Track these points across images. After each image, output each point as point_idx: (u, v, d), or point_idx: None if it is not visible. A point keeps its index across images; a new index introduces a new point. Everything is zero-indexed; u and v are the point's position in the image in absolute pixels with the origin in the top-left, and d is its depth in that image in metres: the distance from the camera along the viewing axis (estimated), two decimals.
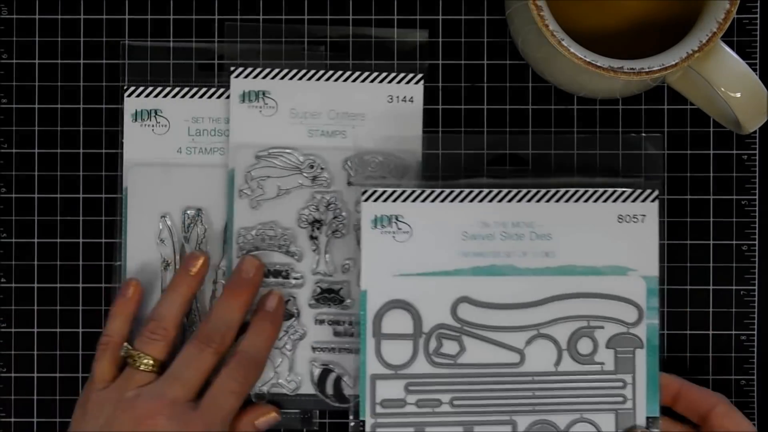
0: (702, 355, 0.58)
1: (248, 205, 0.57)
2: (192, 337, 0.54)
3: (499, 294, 0.55)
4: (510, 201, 0.55)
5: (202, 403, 0.53)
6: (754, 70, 0.58)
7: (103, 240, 0.58)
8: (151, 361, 0.54)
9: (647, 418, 0.55)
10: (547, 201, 0.55)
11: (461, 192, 0.55)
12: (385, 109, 0.57)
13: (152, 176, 0.58)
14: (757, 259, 0.58)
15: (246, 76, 0.57)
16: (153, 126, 0.58)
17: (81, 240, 0.59)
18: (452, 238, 0.55)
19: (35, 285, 0.59)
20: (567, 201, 0.55)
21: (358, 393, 0.55)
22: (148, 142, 0.58)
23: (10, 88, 0.59)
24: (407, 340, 0.55)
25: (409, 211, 0.55)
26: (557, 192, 0.55)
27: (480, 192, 0.55)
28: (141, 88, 0.58)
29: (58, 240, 0.59)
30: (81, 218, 0.59)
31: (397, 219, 0.55)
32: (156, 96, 0.58)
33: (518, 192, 0.55)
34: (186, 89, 0.58)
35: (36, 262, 0.59)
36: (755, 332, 0.58)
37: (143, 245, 0.58)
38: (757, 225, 0.58)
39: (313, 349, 0.57)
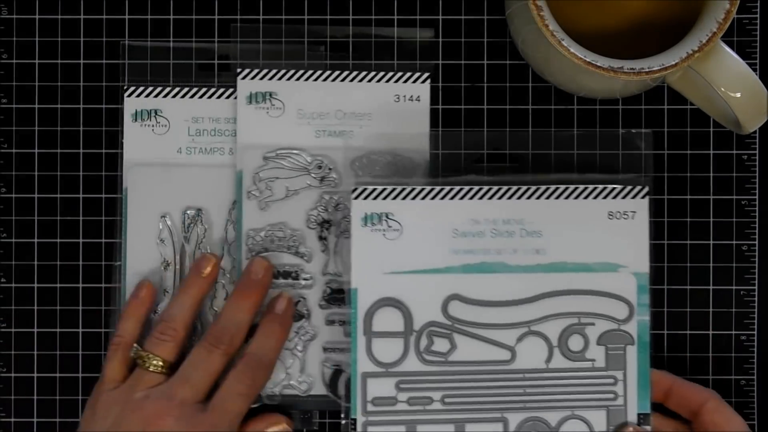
0: (702, 355, 0.58)
1: (257, 207, 0.57)
2: (201, 338, 0.54)
3: (490, 291, 0.55)
4: (500, 198, 0.55)
5: (210, 405, 0.53)
6: (754, 70, 0.58)
7: (103, 240, 0.58)
8: (161, 362, 0.54)
9: (638, 414, 0.55)
10: (537, 198, 0.55)
11: (451, 189, 0.55)
12: (392, 109, 0.57)
13: (152, 176, 0.58)
14: (757, 259, 0.58)
15: (252, 78, 0.57)
16: (153, 126, 0.58)
17: (81, 240, 0.59)
18: (443, 236, 0.55)
19: (35, 285, 0.59)
20: (557, 198, 0.55)
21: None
22: (148, 142, 0.58)
23: (10, 88, 0.59)
24: (398, 337, 0.55)
25: (400, 209, 0.55)
26: (547, 189, 0.55)
27: (470, 189, 0.55)
28: (141, 88, 0.58)
29: (58, 240, 0.59)
30: (81, 218, 0.59)
31: (387, 217, 0.55)
32: (156, 96, 0.58)
33: (508, 189, 0.55)
34: (186, 89, 0.58)
35: (36, 262, 0.59)
36: (755, 332, 0.58)
37: (143, 245, 0.58)
38: (757, 225, 0.58)
39: (324, 349, 0.57)
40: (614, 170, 0.57)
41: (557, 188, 0.55)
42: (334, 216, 0.57)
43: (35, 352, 0.58)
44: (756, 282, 0.58)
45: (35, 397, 0.58)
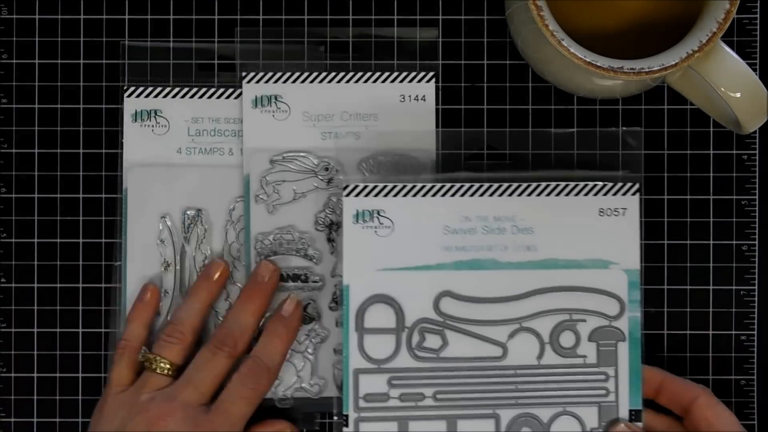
0: (702, 355, 0.58)
1: (265, 210, 0.57)
2: (207, 341, 0.54)
3: (482, 288, 0.55)
4: (491, 195, 0.56)
5: (213, 407, 0.53)
6: (754, 70, 0.58)
7: (103, 240, 0.58)
8: (168, 365, 0.54)
9: (630, 410, 0.55)
10: (528, 195, 0.56)
11: (442, 187, 0.55)
12: (397, 109, 0.57)
13: (152, 177, 0.58)
14: (757, 259, 0.58)
15: (258, 81, 0.57)
16: (153, 126, 0.58)
17: (81, 240, 0.59)
18: (434, 233, 0.55)
19: (35, 285, 0.59)
20: (548, 195, 0.56)
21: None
22: (148, 142, 0.58)
23: (10, 88, 0.59)
24: (390, 334, 0.55)
25: (391, 206, 0.55)
26: (538, 186, 0.55)
27: (461, 186, 0.56)
28: (141, 89, 0.58)
29: (58, 240, 0.59)
30: (81, 218, 0.59)
31: (378, 214, 0.55)
32: (156, 96, 0.58)
33: (499, 186, 0.56)
34: (186, 89, 0.58)
35: (36, 262, 0.59)
36: (755, 332, 0.58)
37: (143, 246, 0.58)
38: (757, 225, 0.58)
39: (336, 351, 0.57)
40: (608, 168, 0.57)
41: (548, 185, 0.55)
42: (342, 217, 0.57)
43: (35, 352, 0.58)
44: (756, 282, 0.58)
45: (35, 397, 0.58)
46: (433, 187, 0.55)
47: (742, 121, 0.51)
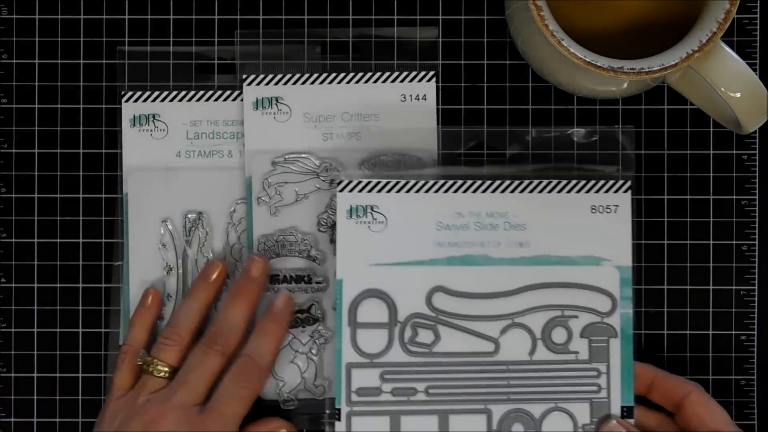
0: (702, 355, 0.58)
1: (267, 212, 0.57)
2: (199, 341, 0.54)
3: (474, 283, 0.56)
4: (484, 192, 0.56)
5: (207, 408, 0.53)
6: (754, 70, 0.58)
7: (103, 240, 0.58)
8: (166, 368, 0.54)
9: (622, 407, 0.55)
10: (521, 192, 0.56)
11: (435, 183, 0.56)
12: (398, 109, 0.57)
13: (152, 181, 0.58)
14: (757, 259, 0.58)
15: (258, 83, 0.57)
16: (151, 131, 0.58)
17: (81, 240, 0.59)
18: (427, 229, 0.56)
19: (35, 285, 0.59)
20: (540, 192, 0.56)
21: None
22: (147, 146, 0.58)
23: (10, 88, 0.59)
24: (382, 329, 0.55)
25: (385, 202, 0.56)
26: (531, 183, 0.56)
27: (454, 183, 0.56)
28: (138, 93, 0.58)
29: (58, 240, 0.59)
30: (81, 218, 0.59)
31: (372, 209, 0.55)
32: (153, 101, 0.58)
33: (492, 183, 0.56)
34: (183, 92, 0.58)
35: (36, 262, 0.59)
36: (755, 332, 0.58)
37: (145, 250, 0.57)
38: (757, 225, 0.58)
39: None
40: (605, 168, 0.57)
41: (540, 182, 0.56)
42: None
43: (35, 352, 0.58)
44: (756, 282, 0.58)
45: (35, 397, 0.58)
46: (426, 183, 0.56)
47: (742, 121, 0.51)
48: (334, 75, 0.57)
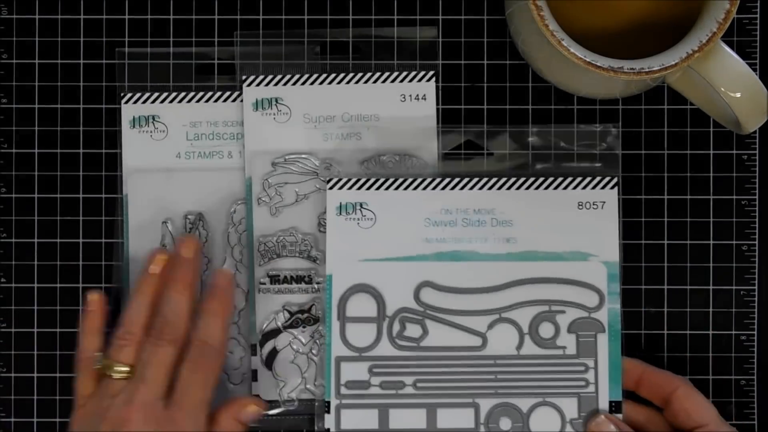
0: (702, 355, 0.58)
1: (267, 213, 0.57)
2: (148, 335, 0.53)
3: (461, 279, 0.56)
4: (471, 189, 0.56)
5: (171, 400, 0.52)
6: (754, 70, 0.58)
7: (103, 240, 0.59)
8: (125, 368, 0.53)
9: (610, 402, 0.56)
10: (508, 189, 0.56)
11: (424, 180, 0.56)
12: (398, 109, 0.57)
13: (152, 182, 0.58)
14: (757, 259, 0.58)
15: (258, 84, 0.57)
16: (151, 132, 0.58)
17: (81, 240, 0.59)
18: (415, 225, 0.56)
19: (35, 285, 0.59)
20: (527, 188, 0.56)
21: None
22: (146, 148, 0.58)
23: (10, 88, 0.59)
24: (371, 323, 0.56)
25: (374, 199, 0.56)
26: (517, 179, 0.56)
27: (442, 180, 0.56)
28: (138, 95, 0.58)
29: (58, 240, 0.59)
30: (81, 218, 0.59)
31: (361, 206, 0.56)
32: (153, 102, 0.58)
33: (479, 180, 0.56)
34: (183, 94, 0.58)
35: (36, 262, 0.59)
36: (755, 332, 0.58)
37: (146, 251, 0.57)
38: (757, 225, 0.58)
39: None
40: (591, 166, 0.57)
41: (527, 179, 0.56)
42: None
43: (35, 352, 0.58)
44: (756, 282, 0.58)
45: (35, 397, 0.58)
46: (414, 180, 0.56)
47: (742, 121, 0.51)
48: (334, 75, 0.57)
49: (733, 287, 0.58)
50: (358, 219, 0.56)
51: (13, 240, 0.59)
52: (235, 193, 0.58)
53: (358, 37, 0.58)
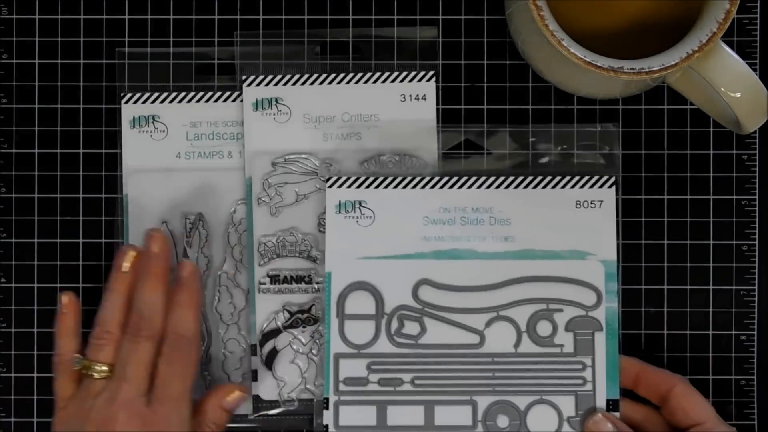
0: (702, 355, 0.58)
1: (267, 213, 0.57)
2: (125, 333, 0.53)
3: (459, 277, 0.56)
4: (470, 187, 0.57)
5: (153, 396, 0.52)
6: (754, 70, 0.58)
7: (103, 240, 0.59)
8: (104, 367, 0.53)
9: (608, 400, 0.56)
10: (506, 187, 0.57)
11: (422, 179, 0.57)
12: (398, 109, 0.57)
13: (152, 182, 0.58)
14: (757, 259, 0.58)
15: (258, 84, 0.57)
16: (151, 132, 0.58)
17: (81, 240, 0.59)
18: (414, 223, 0.56)
19: (35, 285, 0.59)
20: (525, 187, 0.57)
21: None
22: (146, 148, 0.58)
23: (10, 88, 0.59)
24: (370, 320, 0.56)
25: (373, 197, 0.56)
26: (516, 178, 0.57)
27: (441, 179, 0.57)
28: (138, 95, 0.58)
29: (58, 240, 0.59)
30: (81, 218, 0.59)
31: (360, 204, 0.56)
32: (153, 102, 0.58)
33: (477, 179, 0.57)
34: (183, 94, 0.58)
35: (36, 262, 0.59)
36: (755, 332, 0.58)
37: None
38: (757, 225, 0.58)
39: None
40: (590, 164, 0.57)
41: (525, 178, 0.56)
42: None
43: (35, 352, 0.58)
44: (756, 282, 0.58)
45: (35, 397, 0.58)
46: (413, 179, 0.57)
47: (742, 121, 0.51)
48: (333, 75, 0.57)
49: (733, 287, 0.58)
50: (357, 217, 0.56)
51: (13, 240, 0.59)
52: (235, 193, 0.58)
53: (358, 37, 0.58)
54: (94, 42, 0.59)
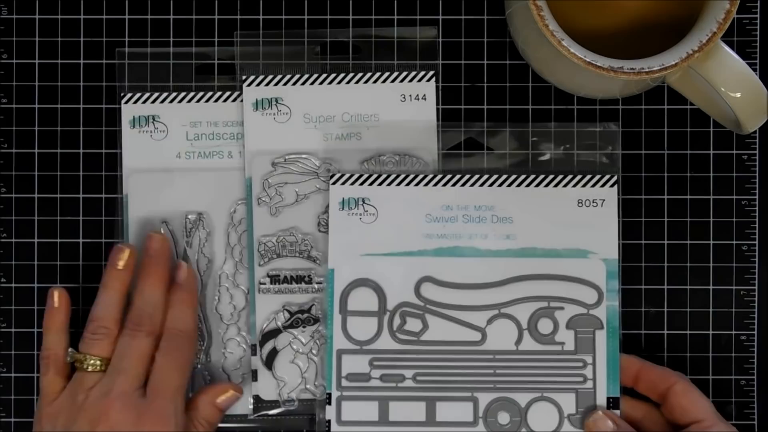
0: (702, 355, 0.58)
1: (267, 213, 0.57)
2: (124, 328, 0.54)
3: (461, 274, 0.56)
4: (472, 185, 0.57)
5: (148, 390, 0.53)
6: (754, 70, 0.58)
7: (103, 240, 0.59)
8: (98, 361, 0.53)
9: (608, 398, 0.56)
10: (509, 186, 0.57)
11: (425, 176, 0.57)
12: (398, 109, 0.57)
13: (152, 182, 0.58)
14: (757, 259, 0.58)
15: (258, 84, 0.57)
16: (151, 132, 0.58)
17: (81, 240, 0.59)
18: (416, 220, 0.57)
19: (35, 285, 0.59)
20: (528, 185, 0.57)
21: None
22: (146, 148, 0.58)
23: (10, 88, 0.59)
24: (372, 317, 0.56)
25: (376, 195, 0.57)
26: (518, 177, 0.57)
27: (443, 176, 0.57)
28: (138, 95, 0.58)
29: (58, 240, 0.59)
30: (81, 218, 0.59)
31: (363, 201, 0.57)
32: (153, 102, 0.58)
33: (480, 177, 0.57)
34: (183, 94, 0.58)
35: (36, 262, 0.59)
36: (755, 332, 0.58)
37: (137, 248, 0.57)
38: (757, 225, 0.58)
39: None
40: (591, 164, 0.57)
41: (528, 176, 0.57)
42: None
43: (35, 352, 0.58)
44: (756, 282, 0.58)
45: (35, 397, 0.58)
46: (416, 176, 0.57)
47: (742, 121, 0.51)
48: (333, 75, 0.57)
49: (733, 287, 0.58)
50: (360, 214, 0.57)
51: (13, 240, 0.59)
52: (235, 193, 0.58)
53: (358, 37, 0.58)
54: (94, 42, 0.59)
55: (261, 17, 0.58)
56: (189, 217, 0.58)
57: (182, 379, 0.54)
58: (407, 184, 0.57)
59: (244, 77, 0.57)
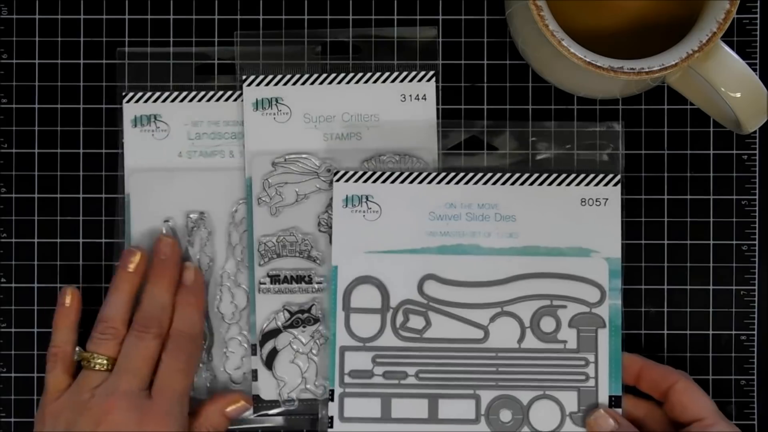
0: (702, 355, 0.58)
1: (268, 213, 0.57)
2: (131, 329, 0.54)
3: (464, 272, 0.57)
4: (476, 183, 0.57)
5: (153, 390, 0.53)
6: (754, 70, 0.58)
7: (103, 240, 0.59)
8: (105, 360, 0.54)
9: (610, 396, 0.56)
10: (512, 184, 0.57)
11: (429, 174, 0.57)
12: (398, 109, 0.57)
13: (154, 181, 0.58)
14: (757, 259, 0.58)
15: (258, 84, 0.57)
16: (153, 131, 0.58)
17: (81, 240, 0.59)
18: (420, 218, 0.57)
19: (35, 285, 0.59)
20: (531, 184, 0.57)
21: None
22: (148, 147, 0.58)
23: (10, 88, 0.59)
24: (375, 314, 0.57)
25: (379, 192, 0.57)
26: (521, 175, 0.57)
27: (447, 174, 0.57)
28: (139, 94, 0.58)
29: (58, 240, 0.59)
30: (81, 218, 0.59)
31: (367, 199, 0.57)
32: (155, 101, 0.58)
33: (483, 175, 0.57)
34: (184, 93, 0.58)
35: (36, 262, 0.59)
36: (755, 332, 0.58)
37: (147, 250, 0.57)
38: (757, 225, 0.58)
39: None
40: (591, 163, 0.57)
41: (531, 175, 0.57)
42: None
43: (35, 352, 0.58)
44: (756, 282, 0.58)
45: (35, 397, 0.58)
46: (419, 174, 0.57)
47: (742, 121, 0.51)
48: (334, 75, 0.57)
49: (733, 287, 0.58)
50: (364, 211, 0.57)
51: (13, 240, 0.59)
52: (236, 192, 0.58)
53: (358, 37, 0.58)
54: (94, 42, 0.59)
55: (261, 17, 0.59)
56: (191, 216, 0.58)
57: (187, 381, 0.54)
58: (411, 182, 0.57)
59: (244, 77, 0.58)
